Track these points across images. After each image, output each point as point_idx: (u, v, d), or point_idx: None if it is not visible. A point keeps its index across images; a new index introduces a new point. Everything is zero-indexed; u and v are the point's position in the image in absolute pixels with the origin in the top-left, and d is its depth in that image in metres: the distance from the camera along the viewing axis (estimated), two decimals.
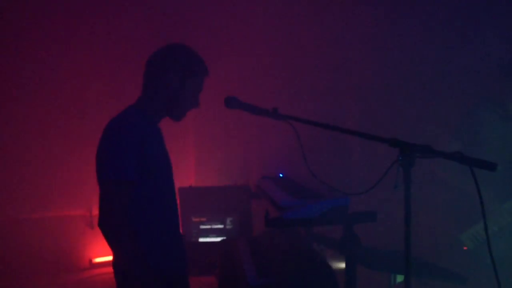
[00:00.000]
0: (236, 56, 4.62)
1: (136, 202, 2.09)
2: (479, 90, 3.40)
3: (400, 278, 2.57)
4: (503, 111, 3.23)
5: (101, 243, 4.87)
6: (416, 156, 1.72)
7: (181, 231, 2.44)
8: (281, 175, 2.90)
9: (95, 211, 4.91)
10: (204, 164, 5.16)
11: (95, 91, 4.84)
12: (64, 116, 4.78)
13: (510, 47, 3.31)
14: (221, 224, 3.89)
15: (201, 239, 3.89)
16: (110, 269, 4.99)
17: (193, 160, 5.25)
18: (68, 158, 4.79)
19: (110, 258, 4.86)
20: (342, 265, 2.96)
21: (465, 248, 3.22)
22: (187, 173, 5.11)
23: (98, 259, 5.01)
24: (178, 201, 2.39)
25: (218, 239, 3.83)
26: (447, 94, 3.60)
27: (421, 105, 3.73)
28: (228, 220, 3.88)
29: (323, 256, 2.28)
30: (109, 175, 2.02)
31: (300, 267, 2.12)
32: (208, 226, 3.89)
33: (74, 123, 4.82)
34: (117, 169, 2.02)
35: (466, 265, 3.05)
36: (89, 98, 4.83)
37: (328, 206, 1.90)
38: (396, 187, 1.74)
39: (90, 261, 5.01)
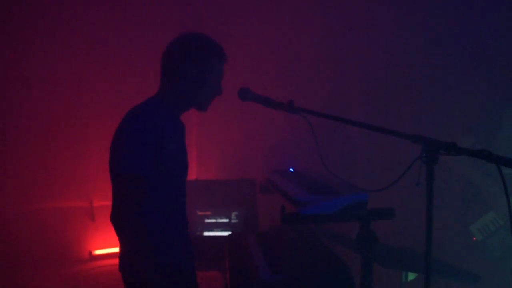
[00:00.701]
0: (244, 48, 4.55)
1: (149, 197, 2.05)
2: (500, 90, 3.39)
3: (411, 276, 2.55)
4: None
5: (102, 235, 4.87)
6: (439, 153, 1.68)
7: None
8: (291, 169, 2.86)
9: (96, 203, 4.87)
10: (206, 157, 5.10)
11: (97, 82, 4.77)
12: (65, 106, 4.70)
13: None
14: (226, 218, 3.85)
15: (206, 233, 3.86)
16: (110, 262, 4.96)
17: (195, 153, 5.20)
18: (69, 149, 4.72)
19: (110, 250, 4.87)
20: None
21: (474, 239, 3.26)
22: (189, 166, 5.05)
23: (98, 251, 4.95)
24: None
25: (223, 233, 3.79)
26: (466, 91, 3.56)
27: (440, 102, 3.68)
28: (234, 214, 3.85)
29: (336, 252, 2.25)
30: (125, 168, 1.98)
31: (314, 264, 2.09)
32: (213, 220, 3.85)
33: (75, 114, 4.73)
34: (134, 163, 1.98)
35: (475, 260, 3.08)
36: (91, 90, 4.76)
37: (348, 202, 1.86)
38: (418, 184, 1.71)
39: (90, 253, 4.94)
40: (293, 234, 2.54)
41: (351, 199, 1.86)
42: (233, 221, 3.85)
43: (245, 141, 4.54)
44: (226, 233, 3.80)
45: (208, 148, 5.05)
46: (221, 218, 3.85)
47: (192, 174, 4.90)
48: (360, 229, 1.98)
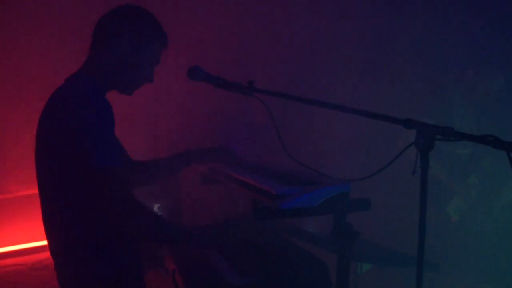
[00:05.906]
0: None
1: None
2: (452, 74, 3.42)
3: (366, 267, 2.45)
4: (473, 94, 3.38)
5: None
6: (436, 138, 1.55)
7: None
8: None
9: None
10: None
11: None
12: None
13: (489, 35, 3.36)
14: None
15: None
16: None
17: None
18: None
19: None
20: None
21: (453, 220, 3.37)
22: None
23: None
24: None
25: None
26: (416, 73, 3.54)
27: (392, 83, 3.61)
28: (156, 207, 3.50)
29: (303, 248, 2.06)
30: (101, 161, 1.66)
31: (285, 262, 1.88)
32: None
33: None
34: (108, 154, 1.68)
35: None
36: None
37: (330, 193, 1.68)
38: (415, 173, 1.57)
39: None
40: (245, 229, 2.32)
41: (334, 190, 1.69)
42: None
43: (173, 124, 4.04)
44: None
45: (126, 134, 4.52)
46: None
47: None
48: (336, 223, 1.82)
